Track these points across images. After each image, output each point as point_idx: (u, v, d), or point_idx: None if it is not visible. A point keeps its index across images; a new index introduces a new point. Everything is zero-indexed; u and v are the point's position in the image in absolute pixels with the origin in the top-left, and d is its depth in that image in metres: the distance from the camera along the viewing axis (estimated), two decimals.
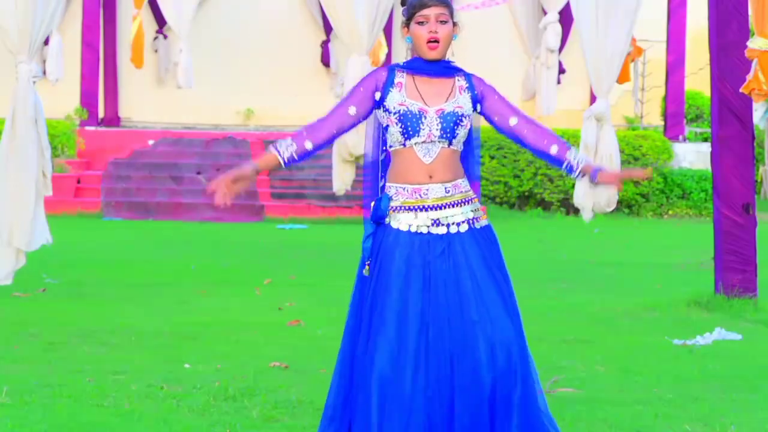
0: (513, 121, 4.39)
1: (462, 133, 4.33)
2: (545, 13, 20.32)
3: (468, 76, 4.40)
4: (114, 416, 5.70)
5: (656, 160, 19.04)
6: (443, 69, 4.36)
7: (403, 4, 4.42)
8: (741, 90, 8.93)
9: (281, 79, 21.79)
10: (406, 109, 4.30)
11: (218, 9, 21.82)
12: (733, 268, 9.50)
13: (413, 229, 4.30)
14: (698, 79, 20.03)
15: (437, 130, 4.29)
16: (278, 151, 4.36)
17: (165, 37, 21.65)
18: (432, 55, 4.30)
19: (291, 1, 22.16)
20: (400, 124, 4.31)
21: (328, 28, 21.18)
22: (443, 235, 4.29)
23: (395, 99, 4.33)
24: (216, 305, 9.33)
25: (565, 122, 20.17)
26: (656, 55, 20.93)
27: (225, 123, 21.57)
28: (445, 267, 4.27)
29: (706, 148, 18.95)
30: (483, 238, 4.34)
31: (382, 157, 4.50)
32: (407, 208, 4.32)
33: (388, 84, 4.35)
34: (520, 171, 18.87)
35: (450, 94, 4.34)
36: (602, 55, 9.16)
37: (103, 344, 7.55)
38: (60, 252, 11.46)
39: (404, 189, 4.34)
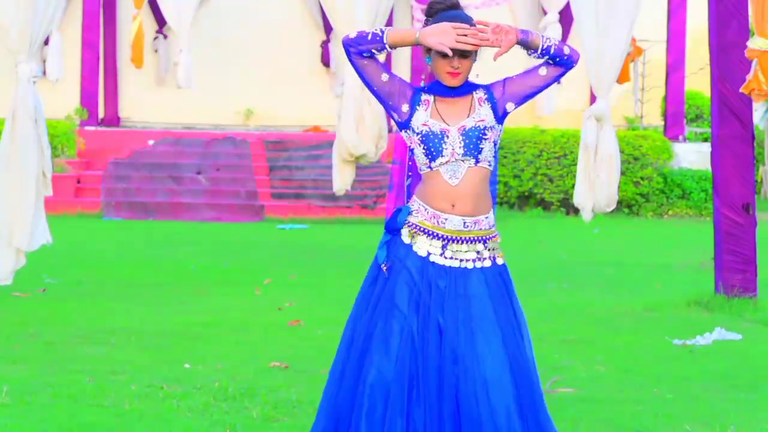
0: (543, 71, 4.29)
1: (487, 147, 4.25)
2: (545, 13, 20.33)
3: (486, 87, 4.31)
4: (114, 416, 5.70)
5: (656, 160, 19.04)
6: (463, 89, 4.29)
7: (428, 15, 4.31)
8: (741, 90, 8.94)
9: (281, 79, 21.79)
10: (428, 130, 4.25)
11: (218, 9, 21.82)
12: (733, 268, 9.50)
13: (424, 255, 4.24)
14: (698, 79, 20.03)
15: (460, 147, 4.22)
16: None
17: (165, 37, 21.65)
18: (451, 83, 4.25)
19: (291, 1, 22.16)
20: (423, 146, 4.25)
21: (328, 28, 21.17)
22: (453, 268, 4.23)
23: (420, 118, 4.27)
24: (216, 305, 9.33)
25: (565, 122, 20.18)
26: (656, 55, 20.93)
27: (225, 123, 21.57)
28: (447, 302, 4.20)
29: (706, 148, 18.95)
30: (494, 280, 4.26)
31: (407, 183, 4.48)
32: (423, 230, 4.25)
33: (415, 102, 4.28)
34: (520, 171, 18.87)
35: (470, 110, 4.26)
36: (602, 55, 9.16)
37: (103, 344, 7.55)
38: (60, 252, 11.46)
39: (426, 209, 4.26)
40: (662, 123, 20.66)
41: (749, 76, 8.79)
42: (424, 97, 4.30)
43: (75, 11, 20.50)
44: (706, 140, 20.22)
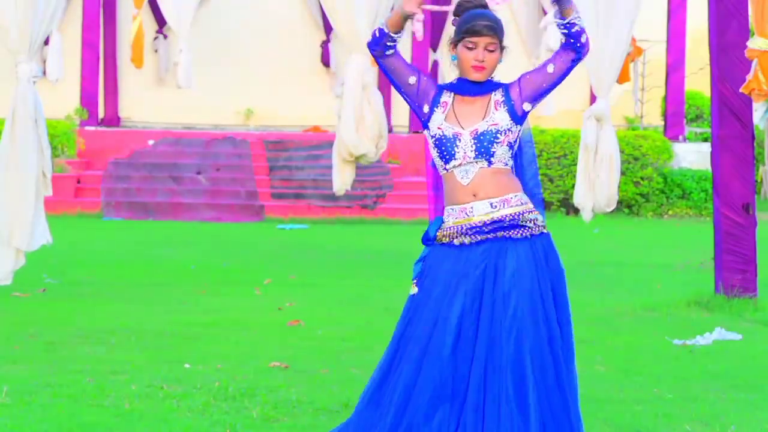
0: (551, 68, 4.33)
1: (500, 150, 4.29)
2: (545, 13, 20.32)
3: (506, 87, 4.35)
4: (114, 416, 5.69)
5: (656, 160, 19.05)
6: (484, 87, 4.34)
7: (456, 14, 4.38)
8: (741, 90, 8.94)
9: (281, 79, 21.80)
10: (441, 134, 4.32)
11: (218, 9, 21.82)
12: (733, 268, 9.50)
13: (456, 242, 4.30)
14: (698, 79, 20.04)
15: (472, 151, 4.28)
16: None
17: (165, 37, 21.65)
18: (476, 77, 4.30)
19: (291, 1, 22.16)
20: (436, 150, 4.33)
21: (328, 28, 21.18)
22: (490, 249, 4.27)
23: (436, 121, 4.35)
24: (216, 305, 9.33)
25: (565, 122, 20.18)
26: (656, 55, 20.93)
27: (225, 123, 21.57)
28: (485, 281, 4.25)
29: (706, 148, 18.95)
30: (528, 257, 4.27)
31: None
32: (457, 228, 4.31)
33: (435, 102, 4.37)
34: None
35: (486, 112, 4.31)
36: (602, 55, 9.16)
37: (103, 344, 7.55)
38: (60, 252, 11.46)
39: (453, 210, 4.34)
40: (662, 123, 20.66)
41: (749, 76, 8.79)
42: (444, 98, 4.36)
43: (75, 11, 20.50)
44: (706, 140, 20.23)
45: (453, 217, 4.34)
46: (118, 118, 21.49)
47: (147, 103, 21.69)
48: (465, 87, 4.34)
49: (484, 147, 4.27)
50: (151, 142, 19.42)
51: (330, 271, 11.63)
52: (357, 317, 8.85)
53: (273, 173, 18.73)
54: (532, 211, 4.33)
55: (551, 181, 19.00)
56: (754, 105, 10.15)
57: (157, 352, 7.31)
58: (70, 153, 18.50)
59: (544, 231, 4.34)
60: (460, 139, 4.29)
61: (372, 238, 15.27)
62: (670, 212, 19.12)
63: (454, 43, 4.33)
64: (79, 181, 18.12)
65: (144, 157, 18.89)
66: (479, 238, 4.28)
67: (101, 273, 11.06)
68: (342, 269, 11.77)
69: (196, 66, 19.62)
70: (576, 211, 16.86)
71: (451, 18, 4.43)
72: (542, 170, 18.95)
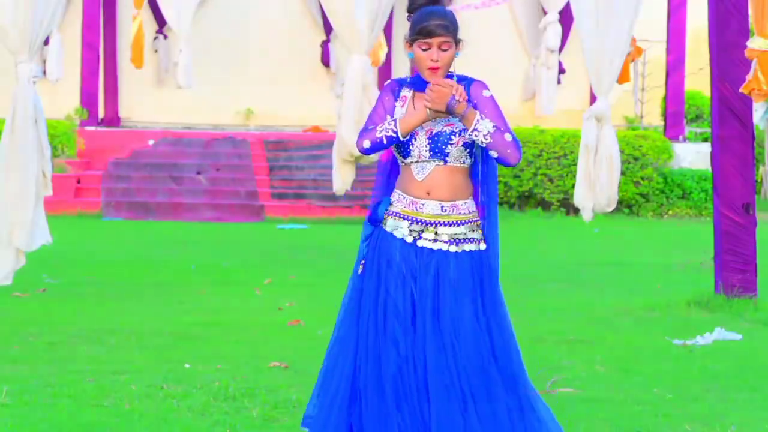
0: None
1: (455, 150, 4.32)
2: (545, 13, 20.34)
3: (468, 85, 4.37)
4: (114, 416, 5.70)
5: (656, 160, 19.05)
6: None
7: (409, 11, 4.38)
8: (741, 90, 8.94)
9: (281, 79, 21.80)
10: None
11: (218, 9, 21.82)
12: (733, 268, 9.50)
13: (406, 239, 4.35)
14: (698, 79, 20.03)
15: (426, 151, 4.32)
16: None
17: (165, 37, 21.65)
18: (432, 78, 4.31)
19: (291, 1, 22.16)
20: (395, 145, 4.37)
21: (328, 28, 21.18)
22: (432, 250, 4.32)
23: (397, 115, 4.38)
24: (216, 305, 9.33)
25: (565, 122, 20.18)
26: (656, 55, 20.94)
27: (225, 123, 21.57)
28: (429, 284, 4.30)
29: (706, 148, 18.95)
30: (473, 265, 4.33)
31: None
32: (403, 216, 4.37)
33: (396, 97, 4.41)
34: (520, 171, 18.87)
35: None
36: (602, 55, 9.16)
37: (103, 344, 7.56)
38: (60, 252, 11.46)
39: (404, 197, 4.39)
40: (662, 123, 20.66)
41: (749, 76, 8.80)
42: (404, 92, 4.41)
43: (75, 11, 20.50)
44: (706, 140, 20.23)
45: (402, 204, 4.38)
46: (118, 118, 21.49)
47: (147, 103, 21.69)
48: (424, 85, 4.35)
49: (438, 148, 4.31)
50: (151, 142, 19.41)
51: (330, 271, 11.62)
52: None
53: (273, 173, 18.73)
54: (477, 222, 4.38)
55: (551, 181, 19.00)
56: (754, 105, 10.15)
57: (157, 352, 7.32)
58: (70, 153, 18.50)
59: (482, 249, 4.36)
60: (415, 138, 4.32)
61: None
62: (670, 212, 19.12)
63: (410, 42, 4.32)
64: (79, 181, 18.12)
65: (144, 157, 18.89)
66: (420, 241, 4.32)
67: (101, 273, 11.06)
68: (342, 269, 11.75)
69: (196, 66, 19.63)
70: (576, 211, 16.86)
71: (404, 14, 4.41)
72: (542, 170, 18.95)
